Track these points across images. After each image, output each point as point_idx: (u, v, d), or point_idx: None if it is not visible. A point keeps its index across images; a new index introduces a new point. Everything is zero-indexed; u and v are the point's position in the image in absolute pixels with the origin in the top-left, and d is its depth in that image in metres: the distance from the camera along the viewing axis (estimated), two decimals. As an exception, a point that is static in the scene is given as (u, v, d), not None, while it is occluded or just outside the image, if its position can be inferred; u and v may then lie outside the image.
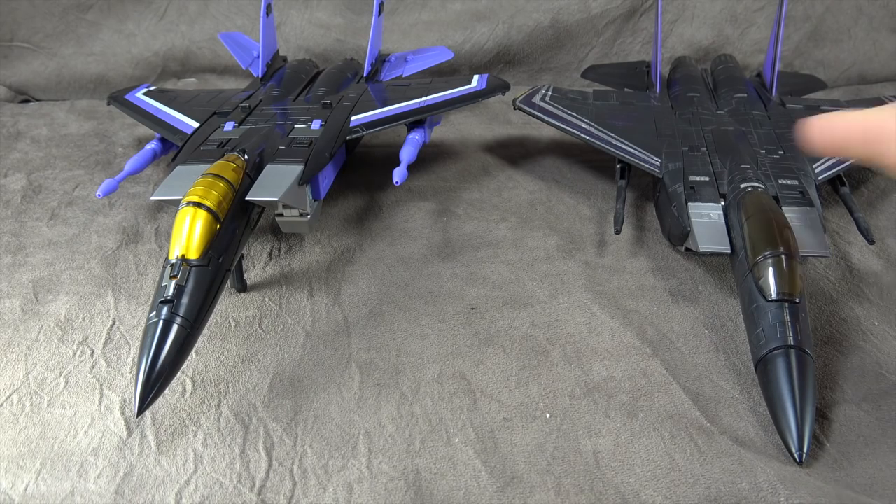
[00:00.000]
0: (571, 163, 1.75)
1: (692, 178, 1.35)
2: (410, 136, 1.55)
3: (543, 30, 2.34)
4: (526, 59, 2.39)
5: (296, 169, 1.30)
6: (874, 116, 0.61)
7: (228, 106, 1.64)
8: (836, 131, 0.64)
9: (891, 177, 0.57)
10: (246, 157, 1.30)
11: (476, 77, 1.72)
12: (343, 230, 1.49)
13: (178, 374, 1.06)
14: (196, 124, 1.55)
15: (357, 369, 1.12)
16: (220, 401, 1.06)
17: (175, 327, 1.00)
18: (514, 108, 1.67)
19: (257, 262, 1.39)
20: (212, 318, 1.20)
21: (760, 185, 1.26)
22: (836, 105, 1.65)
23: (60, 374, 1.12)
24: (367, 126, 1.51)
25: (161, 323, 1.00)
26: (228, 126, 1.50)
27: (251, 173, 1.28)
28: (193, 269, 1.07)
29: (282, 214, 1.32)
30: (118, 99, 1.77)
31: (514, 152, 1.82)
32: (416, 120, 1.57)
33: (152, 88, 1.84)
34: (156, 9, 2.43)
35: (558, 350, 1.15)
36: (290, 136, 1.44)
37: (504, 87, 1.69)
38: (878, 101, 1.63)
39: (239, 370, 1.12)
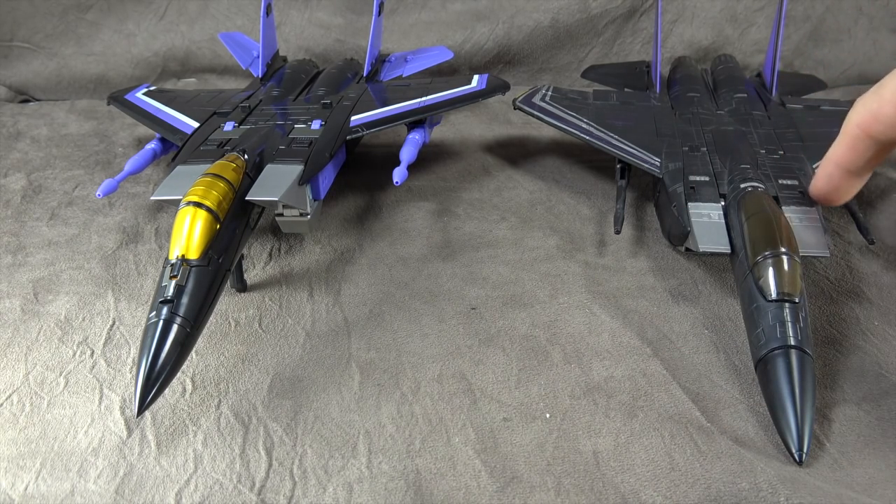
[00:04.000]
0: (571, 163, 1.75)
1: (692, 178, 1.35)
2: (410, 136, 1.55)
3: (543, 30, 2.34)
4: (526, 59, 2.39)
5: (296, 169, 1.30)
6: (843, 138, 0.61)
7: (228, 106, 1.64)
8: (832, 175, 0.63)
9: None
10: (246, 157, 1.30)
11: (476, 77, 1.73)
12: (343, 230, 1.49)
13: (178, 374, 1.06)
14: (196, 124, 1.56)
15: (357, 369, 1.12)
16: (220, 401, 1.06)
17: (175, 327, 1.00)
18: (514, 108, 1.67)
19: (257, 262, 1.39)
20: (212, 318, 1.20)
21: (760, 185, 1.26)
22: (836, 105, 1.65)
23: (60, 374, 1.12)
24: (367, 126, 1.51)
25: (161, 323, 1.00)
26: (228, 126, 1.50)
27: (251, 173, 1.28)
28: (193, 269, 1.07)
29: (282, 214, 1.32)
30: (118, 99, 1.77)
31: (514, 152, 1.82)
32: (416, 120, 1.57)
33: (152, 88, 1.84)
34: (156, 9, 2.43)
35: (558, 350, 1.15)
36: (290, 136, 1.44)
37: (504, 87, 1.69)
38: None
39: (239, 370, 1.12)
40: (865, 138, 0.58)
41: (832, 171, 0.61)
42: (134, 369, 1.12)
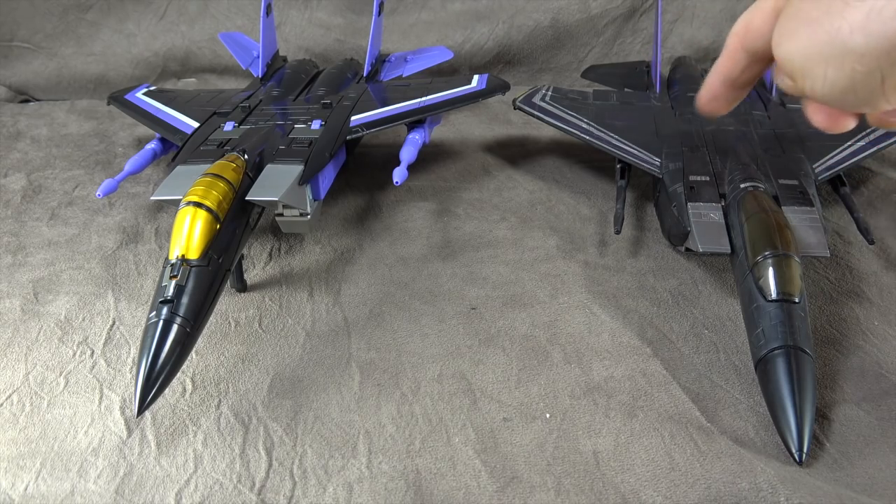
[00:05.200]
0: (571, 163, 1.75)
1: (692, 178, 1.35)
2: (410, 136, 1.55)
3: (543, 30, 2.34)
4: (526, 59, 2.39)
5: (296, 169, 1.30)
6: (733, 37, 0.62)
7: (228, 106, 1.64)
8: (713, 83, 0.65)
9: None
10: (246, 157, 1.30)
11: (476, 77, 1.73)
12: (343, 230, 1.49)
13: (178, 374, 1.05)
14: (196, 124, 1.56)
15: (357, 369, 1.12)
16: (220, 401, 1.06)
17: (175, 327, 1.00)
18: (514, 108, 1.67)
19: (257, 262, 1.39)
20: (212, 318, 1.20)
21: (760, 185, 1.26)
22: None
23: (60, 374, 1.12)
24: (367, 126, 1.51)
25: (161, 323, 1.00)
26: (228, 126, 1.50)
27: (251, 173, 1.28)
28: (193, 269, 1.07)
29: (282, 214, 1.32)
30: (118, 99, 1.77)
31: (514, 152, 1.82)
32: (416, 120, 1.57)
33: (152, 88, 1.84)
34: (156, 9, 2.43)
35: (558, 350, 1.15)
36: (290, 136, 1.44)
37: (504, 87, 1.69)
38: None
39: (239, 370, 1.12)
40: (741, 49, 0.60)
41: (713, 81, 0.63)
42: (134, 369, 1.12)
